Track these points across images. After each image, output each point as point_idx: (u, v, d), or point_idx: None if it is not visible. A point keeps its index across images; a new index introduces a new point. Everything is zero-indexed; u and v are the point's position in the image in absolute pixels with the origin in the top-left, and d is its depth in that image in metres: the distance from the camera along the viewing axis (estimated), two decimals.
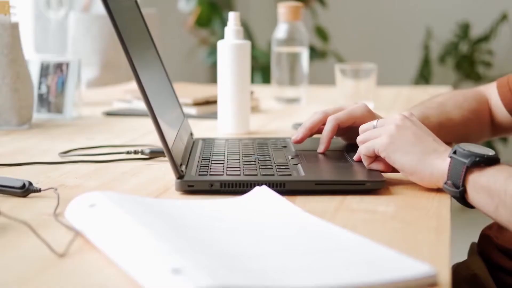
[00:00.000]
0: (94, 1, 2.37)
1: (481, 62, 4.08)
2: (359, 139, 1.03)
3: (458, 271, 1.17)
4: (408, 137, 0.96)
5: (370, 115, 1.11)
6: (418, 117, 1.19)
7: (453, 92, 1.38)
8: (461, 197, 0.89)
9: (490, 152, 0.89)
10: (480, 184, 0.87)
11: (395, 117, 1.00)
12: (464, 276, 1.14)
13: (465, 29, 4.11)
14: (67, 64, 1.62)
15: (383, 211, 0.88)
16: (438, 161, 0.93)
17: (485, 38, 4.06)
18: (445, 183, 0.91)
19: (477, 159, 0.87)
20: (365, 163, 1.02)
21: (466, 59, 4.09)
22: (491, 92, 1.34)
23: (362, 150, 1.01)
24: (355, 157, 1.05)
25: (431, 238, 0.78)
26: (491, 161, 0.87)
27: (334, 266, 0.66)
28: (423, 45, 4.16)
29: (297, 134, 1.13)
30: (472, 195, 0.88)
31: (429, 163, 0.93)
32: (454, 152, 0.90)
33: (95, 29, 2.23)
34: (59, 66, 1.62)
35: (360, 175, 0.99)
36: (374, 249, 0.70)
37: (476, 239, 1.20)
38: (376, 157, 1.00)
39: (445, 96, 1.32)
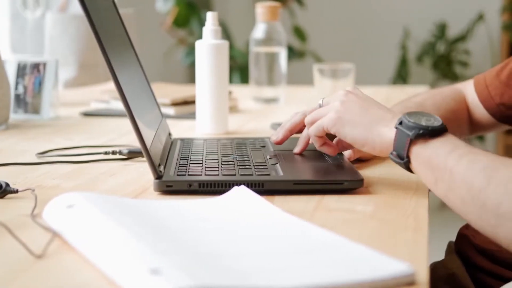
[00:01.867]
0: (71, 1, 2.36)
1: (458, 61, 4.11)
2: (306, 120, 1.04)
3: (436, 270, 1.17)
4: (355, 109, 0.97)
5: None
6: None
7: (432, 91, 1.38)
8: (406, 168, 0.90)
9: (435, 123, 0.89)
10: (423, 157, 0.88)
11: (339, 93, 1.01)
12: (442, 275, 1.14)
13: (442, 29, 4.13)
14: (44, 64, 1.61)
15: (361, 210, 0.88)
16: (386, 130, 0.93)
17: (462, 38, 4.09)
18: (391, 153, 0.91)
19: (421, 131, 0.88)
20: (316, 145, 1.03)
21: (443, 59, 4.12)
22: (468, 89, 1.34)
23: (312, 131, 1.02)
24: (303, 140, 1.09)
25: (409, 237, 0.79)
26: (436, 132, 0.88)
27: (313, 266, 0.66)
28: (400, 45, 4.18)
29: (277, 135, 1.13)
30: (415, 167, 0.89)
31: (377, 131, 0.94)
32: (400, 123, 0.90)
33: (73, 29, 2.21)
34: (36, 66, 1.61)
35: (338, 175, 1.00)
36: (353, 248, 0.70)
37: (453, 238, 1.21)
38: (325, 139, 1.03)
39: (423, 96, 1.32)
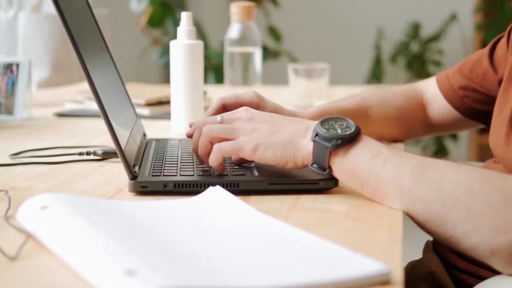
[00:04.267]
0: (44, 1, 2.34)
1: (431, 61, 4.14)
2: (209, 136, 0.97)
3: (414, 268, 1.18)
4: (266, 131, 0.95)
5: (260, 101, 1.11)
6: (326, 110, 1.20)
7: (385, 88, 1.38)
8: (329, 177, 0.92)
9: (350, 128, 0.90)
10: (345, 165, 0.89)
11: (240, 115, 0.98)
12: (421, 273, 1.15)
13: (415, 29, 4.16)
14: (17, 65, 1.60)
15: (336, 210, 0.89)
16: (303, 142, 0.93)
17: (435, 37, 4.12)
18: (312, 165, 0.92)
19: (339, 141, 0.88)
20: (210, 162, 0.97)
21: (417, 59, 4.15)
22: (428, 86, 1.35)
23: (221, 154, 0.95)
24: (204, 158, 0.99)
25: (384, 236, 0.79)
26: (353, 139, 0.89)
27: (288, 266, 0.66)
28: (374, 45, 4.20)
29: (194, 127, 1.07)
30: (338, 175, 0.91)
31: (296, 147, 0.93)
32: (316, 135, 0.91)
33: (46, 29, 2.20)
34: (9, 67, 1.60)
35: (313, 175, 1.00)
36: (328, 248, 0.71)
37: (431, 237, 1.22)
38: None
39: (373, 92, 1.33)
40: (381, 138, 0.92)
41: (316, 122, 0.92)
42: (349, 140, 0.89)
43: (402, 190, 0.83)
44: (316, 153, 0.91)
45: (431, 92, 1.33)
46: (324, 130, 0.90)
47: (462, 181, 0.79)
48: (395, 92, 1.34)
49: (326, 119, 0.92)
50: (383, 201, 0.87)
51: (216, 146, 0.96)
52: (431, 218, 0.80)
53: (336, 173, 0.91)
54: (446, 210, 0.79)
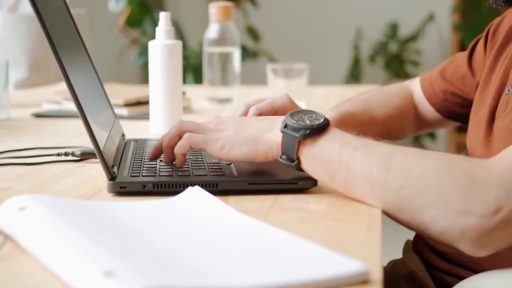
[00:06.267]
0: (21, 1, 2.33)
1: (409, 61, 4.16)
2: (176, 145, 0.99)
3: (395, 268, 1.18)
4: (233, 130, 0.96)
5: (292, 105, 1.12)
6: (343, 114, 1.21)
7: (379, 89, 1.40)
8: (297, 169, 0.92)
9: (319, 119, 0.91)
10: (314, 155, 0.89)
11: (210, 121, 1.00)
12: (401, 273, 1.15)
13: (393, 29, 4.18)
14: None
15: (315, 209, 0.89)
16: (271, 135, 0.94)
17: (413, 38, 4.14)
18: (280, 157, 0.93)
19: (307, 131, 0.89)
20: (167, 153, 1.00)
21: (395, 59, 4.17)
22: (415, 86, 1.37)
23: (183, 150, 0.98)
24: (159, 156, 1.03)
25: (363, 235, 0.79)
26: (321, 129, 0.89)
27: (267, 266, 0.66)
28: (353, 45, 4.21)
29: (153, 154, 1.10)
30: (307, 166, 0.91)
31: (264, 140, 0.94)
32: (285, 126, 0.91)
33: (23, 29, 2.19)
34: None
35: (292, 175, 1.00)
36: (307, 247, 0.71)
37: (411, 237, 1.22)
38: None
39: (371, 93, 1.34)
40: (382, 139, 0.92)
41: (286, 114, 0.93)
42: (318, 130, 0.89)
43: (372, 179, 0.84)
44: (284, 144, 0.91)
45: (417, 94, 1.36)
46: (293, 121, 0.90)
47: (429, 166, 0.81)
48: (390, 93, 1.35)
49: (296, 112, 0.93)
50: (356, 194, 0.87)
51: (187, 134, 0.97)
52: (402, 206, 0.81)
53: (305, 164, 0.91)
54: (414, 196, 0.80)
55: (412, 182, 0.80)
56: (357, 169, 0.85)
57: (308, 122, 0.90)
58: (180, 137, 0.99)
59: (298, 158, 0.91)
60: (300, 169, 0.92)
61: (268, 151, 0.94)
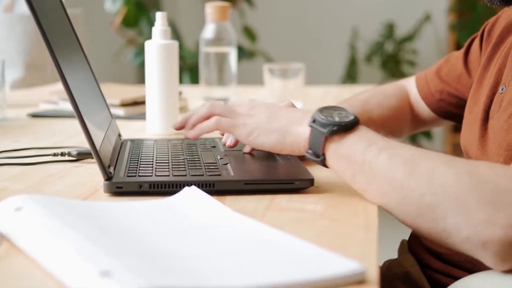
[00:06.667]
0: (17, 1, 2.32)
1: (406, 61, 4.16)
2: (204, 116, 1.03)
3: (391, 268, 1.18)
4: (263, 117, 0.97)
5: None
6: None
7: (376, 89, 1.40)
8: (323, 165, 0.91)
9: (348, 117, 0.90)
10: (340, 152, 0.89)
11: (243, 104, 1.01)
12: (397, 273, 1.15)
13: (390, 29, 4.18)
14: None
15: (312, 209, 0.89)
16: (300, 128, 0.94)
17: (409, 38, 4.14)
18: (307, 151, 0.93)
19: (335, 128, 0.89)
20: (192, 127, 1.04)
21: (391, 59, 4.17)
22: (411, 86, 1.37)
23: (215, 125, 1.01)
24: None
25: (360, 235, 0.79)
26: (350, 126, 0.89)
27: (264, 265, 0.66)
28: (349, 45, 4.22)
29: (179, 123, 1.11)
30: (332, 163, 0.90)
31: (291, 133, 0.95)
32: (314, 121, 0.91)
33: (19, 29, 2.18)
34: None
35: (289, 174, 1.00)
36: (304, 247, 0.71)
37: (406, 236, 1.22)
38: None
39: (368, 94, 1.34)
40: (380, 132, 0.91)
41: (316, 109, 0.92)
42: (346, 128, 0.89)
43: (394, 183, 0.82)
44: (311, 139, 0.91)
45: (413, 94, 1.36)
46: (322, 117, 0.90)
47: (452, 173, 0.79)
48: (386, 93, 1.35)
49: (326, 107, 0.93)
50: (374, 195, 0.86)
51: (215, 117, 1.00)
52: (423, 212, 0.80)
53: (330, 161, 0.90)
54: (437, 202, 0.78)
55: (434, 189, 0.79)
56: (380, 171, 0.84)
57: (337, 118, 0.90)
58: (207, 118, 1.02)
59: (323, 154, 0.90)
60: (325, 166, 0.92)
61: (295, 144, 0.94)
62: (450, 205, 0.77)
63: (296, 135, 0.94)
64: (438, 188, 0.79)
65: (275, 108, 0.99)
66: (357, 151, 0.87)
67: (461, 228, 0.77)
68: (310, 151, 0.92)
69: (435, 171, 0.80)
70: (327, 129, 0.89)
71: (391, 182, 0.83)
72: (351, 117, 0.90)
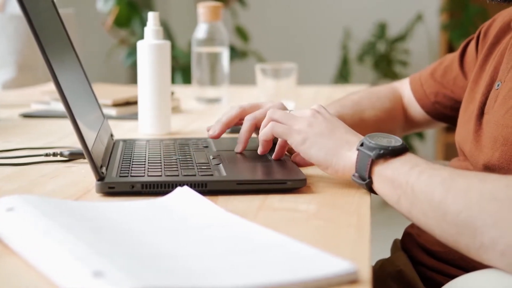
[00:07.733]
0: (9, 1, 2.32)
1: (398, 61, 4.17)
2: (265, 121, 1.06)
3: (383, 267, 1.18)
4: (322, 131, 0.98)
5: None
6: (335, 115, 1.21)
7: (369, 90, 1.40)
8: (369, 188, 0.92)
9: (396, 143, 0.91)
10: (385, 176, 0.89)
11: (305, 112, 1.02)
12: (390, 272, 1.16)
13: (382, 29, 4.18)
14: None
15: (304, 209, 0.89)
16: (349, 153, 0.95)
17: (402, 38, 4.15)
18: (353, 175, 0.93)
19: (382, 151, 0.89)
20: (262, 148, 1.07)
21: (383, 59, 4.17)
22: (404, 88, 1.37)
23: (266, 136, 1.04)
24: (243, 138, 1.11)
25: (352, 235, 0.79)
26: (396, 152, 0.89)
27: (256, 265, 0.66)
28: (341, 45, 4.22)
29: (213, 129, 1.14)
30: (378, 186, 0.90)
31: (341, 156, 0.95)
32: (362, 145, 0.92)
33: (11, 29, 2.18)
34: None
35: (281, 174, 1.00)
36: (296, 247, 0.71)
37: (399, 236, 1.23)
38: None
39: (360, 95, 1.34)
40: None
41: (366, 135, 0.94)
42: (392, 153, 0.89)
43: (433, 202, 0.82)
44: (359, 162, 0.92)
45: (407, 95, 1.36)
46: (371, 141, 0.91)
47: (487, 189, 0.79)
48: (379, 94, 1.35)
49: (376, 134, 0.94)
50: (418, 218, 0.85)
51: (271, 123, 1.02)
52: (461, 230, 0.79)
53: (376, 184, 0.90)
54: (473, 219, 0.78)
55: (471, 205, 0.79)
56: (421, 192, 0.84)
57: (385, 143, 0.90)
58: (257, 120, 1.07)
59: (370, 178, 0.91)
60: (372, 190, 0.92)
61: (341, 167, 0.95)
62: (486, 220, 0.77)
63: (343, 159, 0.95)
64: (474, 203, 0.79)
65: (334, 125, 0.99)
66: (400, 174, 0.87)
67: (498, 241, 0.76)
68: (356, 174, 0.93)
69: (471, 187, 0.80)
70: (373, 152, 0.90)
71: (431, 202, 0.82)
72: (399, 143, 0.91)
